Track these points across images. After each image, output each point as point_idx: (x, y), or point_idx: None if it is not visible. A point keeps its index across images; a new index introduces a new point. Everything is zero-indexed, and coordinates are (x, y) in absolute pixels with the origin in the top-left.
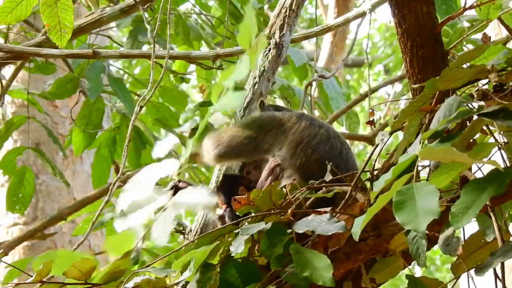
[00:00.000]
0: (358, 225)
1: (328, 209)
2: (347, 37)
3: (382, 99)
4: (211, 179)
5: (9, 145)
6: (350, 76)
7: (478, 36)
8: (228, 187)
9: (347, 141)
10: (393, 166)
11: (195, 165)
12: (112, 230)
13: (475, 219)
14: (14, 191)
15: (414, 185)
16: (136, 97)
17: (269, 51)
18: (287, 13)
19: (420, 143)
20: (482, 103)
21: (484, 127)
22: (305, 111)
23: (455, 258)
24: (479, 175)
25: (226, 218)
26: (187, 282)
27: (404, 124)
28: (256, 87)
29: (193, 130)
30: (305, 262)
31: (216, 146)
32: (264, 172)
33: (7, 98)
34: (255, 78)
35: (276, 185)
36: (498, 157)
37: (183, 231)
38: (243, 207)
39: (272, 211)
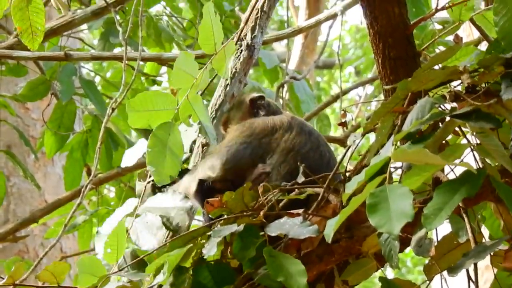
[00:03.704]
0: (331, 227)
1: (300, 211)
2: (318, 39)
3: (353, 101)
4: None
5: None
6: (320, 78)
7: (451, 38)
8: (205, 194)
9: None
10: (365, 168)
11: None
12: (84, 233)
13: (448, 220)
14: None
15: (387, 187)
16: (108, 100)
17: (241, 52)
18: (259, 15)
19: (392, 144)
20: (454, 104)
21: (457, 128)
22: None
23: (427, 260)
24: (452, 176)
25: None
26: (160, 286)
27: (377, 126)
28: (228, 88)
29: None
30: (279, 267)
31: (219, 157)
32: (249, 179)
33: None
34: (226, 80)
35: (248, 186)
36: (470, 159)
37: None
38: (216, 210)
39: (245, 213)
